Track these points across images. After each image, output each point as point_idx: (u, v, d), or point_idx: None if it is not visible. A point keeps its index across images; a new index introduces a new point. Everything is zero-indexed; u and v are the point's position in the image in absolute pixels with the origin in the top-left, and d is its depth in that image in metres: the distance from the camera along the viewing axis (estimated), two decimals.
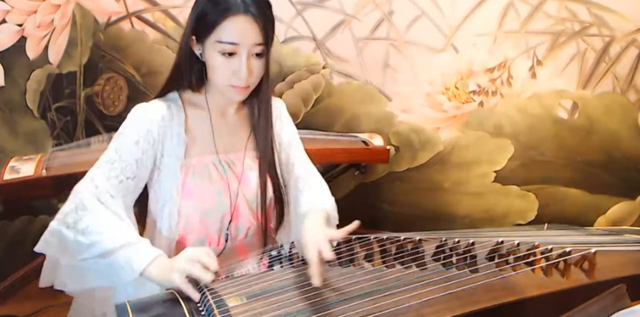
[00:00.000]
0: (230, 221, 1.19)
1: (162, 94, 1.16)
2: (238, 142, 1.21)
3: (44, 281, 1.13)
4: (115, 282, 1.04)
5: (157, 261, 0.98)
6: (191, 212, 1.15)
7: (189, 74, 1.12)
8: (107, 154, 1.10)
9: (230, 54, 1.04)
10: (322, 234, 1.01)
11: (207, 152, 1.16)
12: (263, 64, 1.08)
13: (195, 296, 0.92)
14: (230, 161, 1.19)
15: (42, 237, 1.08)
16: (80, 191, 1.07)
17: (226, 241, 1.19)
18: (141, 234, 1.16)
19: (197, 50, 1.09)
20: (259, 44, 1.04)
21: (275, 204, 1.25)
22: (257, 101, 1.18)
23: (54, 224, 1.07)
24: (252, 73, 1.06)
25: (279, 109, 1.27)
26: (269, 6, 1.07)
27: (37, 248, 1.08)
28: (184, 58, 1.11)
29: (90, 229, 1.01)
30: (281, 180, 1.25)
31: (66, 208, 1.06)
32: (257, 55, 1.06)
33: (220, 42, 1.03)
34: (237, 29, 1.02)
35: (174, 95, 1.15)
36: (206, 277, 0.93)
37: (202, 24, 1.05)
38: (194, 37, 1.08)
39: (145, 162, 1.10)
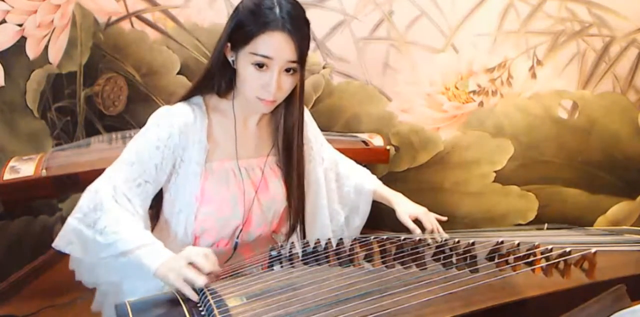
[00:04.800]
0: (242, 229, 1.18)
1: (187, 97, 1.15)
2: (259, 148, 1.21)
3: (78, 276, 1.18)
4: (130, 278, 1.09)
5: (166, 261, 0.99)
6: (207, 218, 1.15)
7: (219, 79, 1.12)
8: (126, 154, 1.09)
9: (262, 66, 1.03)
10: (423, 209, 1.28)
11: (228, 158, 1.16)
12: (294, 81, 1.08)
13: (193, 297, 0.93)
14: (250, 167, 1.18)
15: (61, 234, 1.09)
16: (98, 190, 1.07)
17: (234, 249, 1.19)
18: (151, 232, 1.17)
19: (230, 57, 1.09)
20: (292, 62, 1.04)
21: (289, 212, 1.23)
22: (282, 110, 1.18)
23: (73, 223, 1.07)
24: (281, 89, 1.06)
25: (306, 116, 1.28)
26: (307, 24, 1.07)
27: (56, 245, 1.09)
28: (216, 63, 1.10)
29: (107, 229, 1.03)
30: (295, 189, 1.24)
31: (84, 207, 1.07)
32: (289, 72, 1.05)
33: (255, 54, 1.02)
34: (273, 44, 1.02)
35: (198, 99, 1.15)
36: (198, 281, 0.93)
37: (239, 34, 1.04)
38: (229, 44, 1.07)
39: (164, 167, 1.10)
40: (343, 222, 1.37)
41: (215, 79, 1.12)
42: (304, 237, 1.26)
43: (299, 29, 1.03)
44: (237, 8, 1.07)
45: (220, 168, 1.15)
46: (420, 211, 1.26)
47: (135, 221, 1.06)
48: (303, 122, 1.20)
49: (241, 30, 1.04)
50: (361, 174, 1.40)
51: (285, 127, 1.20)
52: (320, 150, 1.33)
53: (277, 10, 1.02)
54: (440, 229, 1.23)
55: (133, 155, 1.09)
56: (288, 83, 1.07)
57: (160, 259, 0.99)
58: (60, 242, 1.09)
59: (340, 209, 1.37)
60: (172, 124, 1.09)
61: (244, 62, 1.05)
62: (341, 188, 1.37)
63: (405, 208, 1.27)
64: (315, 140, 1.32)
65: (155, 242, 1.03)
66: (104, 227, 1.03)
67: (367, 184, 1.37)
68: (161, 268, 0.97)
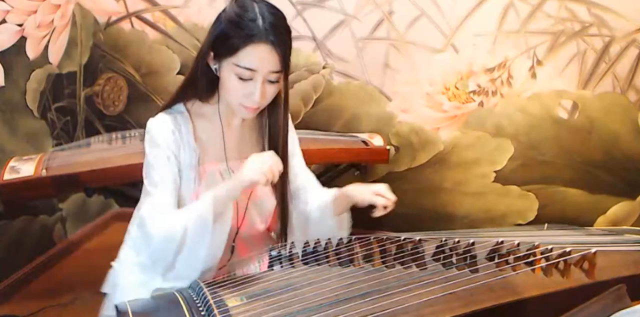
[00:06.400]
0: (238, 230, 1.19)
1: (170, 104, 1.17)
2: (245, 149, 1.21)
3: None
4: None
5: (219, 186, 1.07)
6: None
7: (201, 85, 1.14)
8: (149, 179, 1.13)
9: (246, 78, 1.05)
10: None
11: (215, 160, 1.18)
12: (277, 88, 1.10)
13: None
14: (237, 168, 1.19)
15: (113, 281, 1.21)
16: (147, 222, 1.10)
17: (232, 252, 1.20)
18: None
19: (212, 64, 1.10)
20: (276, 72, 1.06)
21: (280, 211, 1.25)
22: (266, 111, 1.19)
23: (130, 260, 1.19)
24: (265, 97, 1.08)
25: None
26: (289, 33, 1.08)
27: (107, 291, 1.23)
28: (199, 70, 1.12)
29: (159, 228, 1.07)
30: (289, 187, 1.26)
31: (136, 238, 1.17)
32: (272, 81, 1.07)
33: (238, 66, 1.04)
34: (257, 56, 1.03)
35: (179, 107, 1.17)
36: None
37: (222, 45, 1.05)
38: (211, 53, 1.09)
39: (179, 171, 1.14)
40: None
41: (198, 86, 1.14)
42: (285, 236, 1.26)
43: (282, 40, 1.04)
44: (218, 18, 1.08)
45: (209, 171, 1.16)
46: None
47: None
48: (288, 124, 1.21)
49: (224, 41, 1.04)
50: (321, 200, 1.30)
51: (270, 129, 1.21)
52: (294, 168, 1.30)
53: (260, 21, 1.02)
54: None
55: (154, 176, 1.11)
56: (271, 91, 1.09)
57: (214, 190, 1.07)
58: (107, 286, 1.21)
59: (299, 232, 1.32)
60: (164, 134, 1.12)
61: (227, 72, 1.06)
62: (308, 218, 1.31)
63: (360, 190, 1.19)
64: (292, 155, 1.30)
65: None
66: (158, 229, 1.07)
67: (325, 197, 1.27)
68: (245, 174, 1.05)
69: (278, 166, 1.06)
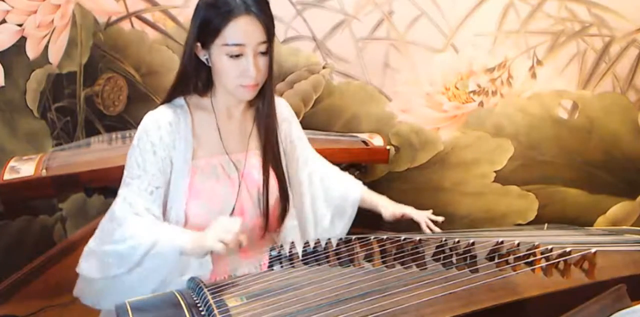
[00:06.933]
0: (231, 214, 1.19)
1: (168, 99, 1.18)
2: (245, 142, 1.23)
3: (77, 292, 1.22)
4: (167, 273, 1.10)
5: (189, 237, 1.06)
6: (199, 213, 1.16)
7: (195, 80, 1.15)
8: (130, 169, 1.14)
9: (237, 56, 1.06)
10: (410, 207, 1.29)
11: (215, 153, 1.18)
12: (267, 61, 1.10)
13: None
14: (238, 160, 1.20)
15: (80, 263, 1.16)
16: (115, 211, 1.12)
17: None
18: None
19: (202, 55, 1.11)
20: (263, 42, 1.07)
21: (280, 202, 1.26)
22: (262, 101, 1.21)
23: (91, 245, 1.15)
24: (260, 71, 1.09)
25: (285, 109, 1.31)
26: (267, 3, 1.09)
27: (80, 270, 1.17)
28: (189, 65, 1.13)
29: (124, 236, 1.08)
30: (287, 177, 1.27)
31: (104, 230, 1.14)
32: (262, 53, 1.08)
33: (227, 45, 1.05)
34: (242, 30, 1.05)
35: (180, 100, 1.18)
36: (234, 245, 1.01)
37: (206, 30, 1.07)
38: (198, 44, 1.10)
39: (165, 168, 1.14)
40: (328, 225, 1.37)
41: (191, 81, 1.15)
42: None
43: (263, 10, 1.06)
44: (196, 9, 1.09)
45: (209, 164, 1.17)
46: (407, 208, 1.28)
47: (149, 222, 1.11)
48: (273, 97, 1.22)
49: (207, 26, 1.06)
50: (346, 181, 1.39)
51: (262, 106, 1.22)
52: (304, 152, 1.35)
53: None
54: (432, 226, 1.24)
55: (135, 168, 1.12)
56: (264, 64, 1.10)
57: (184, 236, 1.05)
58: (81, 268, 1.17)
59: (326, 211, 1.36)
60: (159, 126, 1.12)
61: (218, 56, 1.08)
62: (327, 192, 1.36)
63: (392, 208, 1.29)
64: (299, 140, 1.34)
65: (171, 227, 1.09)
66: (121, 235, 1.09)
67: (352, 191, 1.36)
68: (187, 245, 1.04)
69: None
